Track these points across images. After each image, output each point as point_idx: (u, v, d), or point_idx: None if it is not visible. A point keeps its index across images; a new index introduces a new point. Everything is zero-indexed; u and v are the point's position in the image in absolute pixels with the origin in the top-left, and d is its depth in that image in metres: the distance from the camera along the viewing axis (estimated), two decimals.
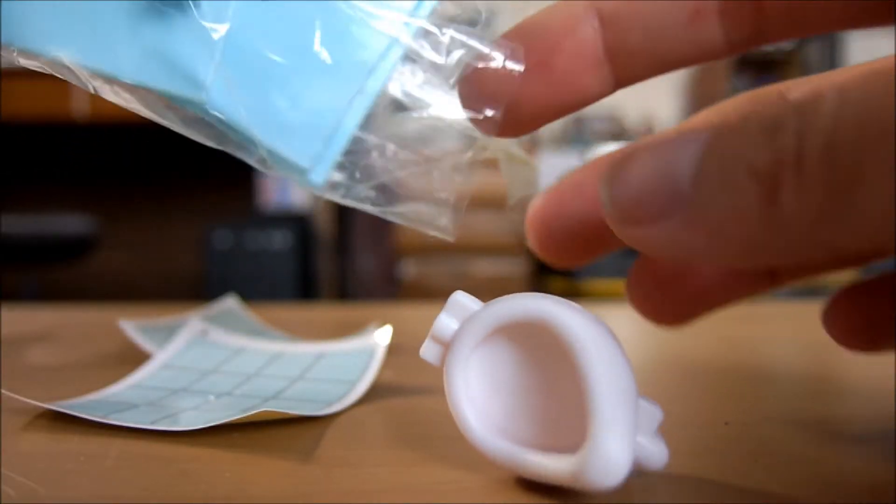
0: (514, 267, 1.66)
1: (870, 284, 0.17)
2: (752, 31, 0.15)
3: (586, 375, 0.12)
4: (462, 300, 0.14)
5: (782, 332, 0.37)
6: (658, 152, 0.13)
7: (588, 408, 0.12)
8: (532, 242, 0.19)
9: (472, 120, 0.16)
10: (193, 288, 1.76)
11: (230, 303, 0.32)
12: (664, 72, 0.16)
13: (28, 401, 0.17)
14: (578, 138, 2.08)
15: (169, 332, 0.26)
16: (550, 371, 0.14)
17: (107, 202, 1.76)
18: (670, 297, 0.18)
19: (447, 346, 0.14)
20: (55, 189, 1.80)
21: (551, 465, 0.13)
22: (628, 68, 0.15)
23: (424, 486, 0.14)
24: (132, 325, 0.27)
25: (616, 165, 0.14)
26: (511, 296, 0.14)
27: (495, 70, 0.15)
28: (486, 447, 0.14)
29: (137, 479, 0.14)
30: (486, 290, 0.15)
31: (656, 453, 0.13)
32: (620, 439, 0.12)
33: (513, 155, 0.19)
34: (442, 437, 0.17)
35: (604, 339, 0.13)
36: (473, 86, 0.15)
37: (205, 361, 0.23)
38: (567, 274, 1.54)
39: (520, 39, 0.15)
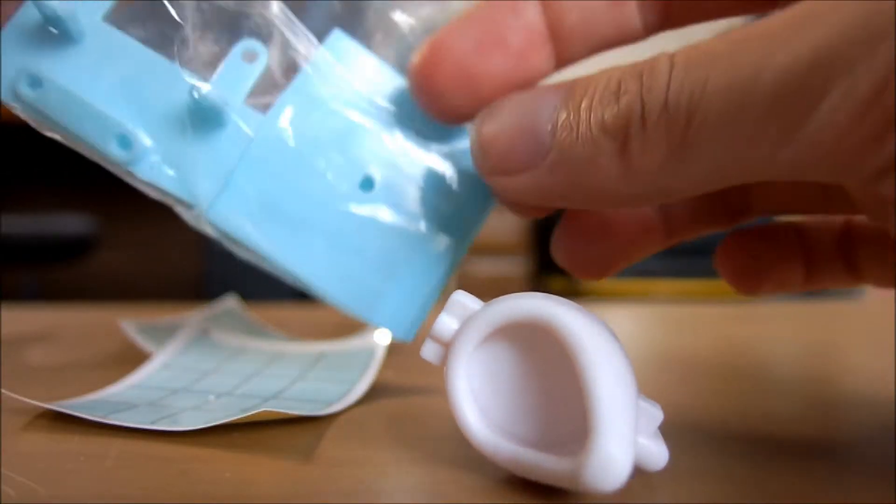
0: (514, 267, 1.65)
1: (754, 231, 0.19)
2: (662, 16, 0.17)
3: (587, 378, 0.12)
4: (462, 300, 0.14)
5: (782, 332, 0.37)
6: (521, 105, 0.15)
7: (589, 410, 0.12)
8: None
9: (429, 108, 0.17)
10: (193, 288, 1.75)
11: (230, 303, 0.32)
12: (595, 52, 0.17)
13: (28, 401, 0.17)
14: None
15: (169, 332, 0.26)
16: (551, 370, 0.14)
17: (107, 202, 1.76)
18: (593, 251, 0.19)
19: (447, 345, 0.14)
20: (55, 189, 1.80)
21: (552, 467, 0.13)
22: (567, 48, 0.17)
23: (424, 486, 0.14)
24: (132, 325, 0.27)
25: (483, 118, 0.15)
26: (511, 295, 0.14)
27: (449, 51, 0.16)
28: (486, 447, 0.14)
29: (137, 479, 0.14)
30: (487, 290, 0.15)
31: (656, 453, 0.13)
32: (621, 442, 0.12)
33: None
34: (442, 437, 0.17)
35: (604, 340, 0.13)
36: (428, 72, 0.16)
37: (205, 361, 0.23)
38: (567, 274, 1.54)
39: (475, 20, 0.16)
